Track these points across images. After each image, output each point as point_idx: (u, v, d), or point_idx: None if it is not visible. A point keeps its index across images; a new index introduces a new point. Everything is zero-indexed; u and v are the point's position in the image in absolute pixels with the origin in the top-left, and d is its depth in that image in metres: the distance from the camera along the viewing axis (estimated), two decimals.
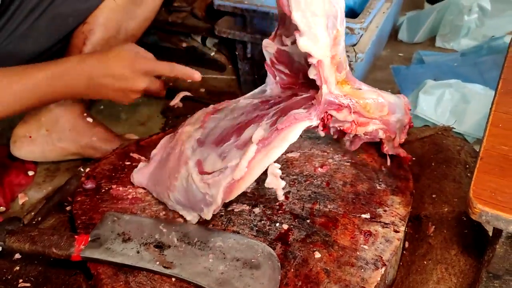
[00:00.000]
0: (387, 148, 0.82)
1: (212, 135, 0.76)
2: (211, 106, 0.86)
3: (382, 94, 0.76)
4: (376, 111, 0.75)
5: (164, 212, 0.77)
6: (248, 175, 0.63)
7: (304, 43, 0.66)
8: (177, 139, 0.79)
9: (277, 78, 0.82)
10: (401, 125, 0.80)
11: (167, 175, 0.75)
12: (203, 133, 0.78)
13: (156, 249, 0.67)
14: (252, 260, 0.65)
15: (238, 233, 0.72)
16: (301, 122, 0.64)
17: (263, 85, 0.85)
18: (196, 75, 0.85)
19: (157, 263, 0.65)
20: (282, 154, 0.67)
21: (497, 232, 0.60)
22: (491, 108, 0.68)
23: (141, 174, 0.81)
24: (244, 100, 0.84)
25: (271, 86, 0.83)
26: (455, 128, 1.03)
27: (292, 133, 0.63)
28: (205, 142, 0.76)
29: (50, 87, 0.79)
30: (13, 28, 0.88)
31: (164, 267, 0.65)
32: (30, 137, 1.01)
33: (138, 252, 0.67)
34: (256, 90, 0.85)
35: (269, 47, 0.79)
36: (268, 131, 0.65)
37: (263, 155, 0.62)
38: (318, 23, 0.66)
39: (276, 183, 0.67)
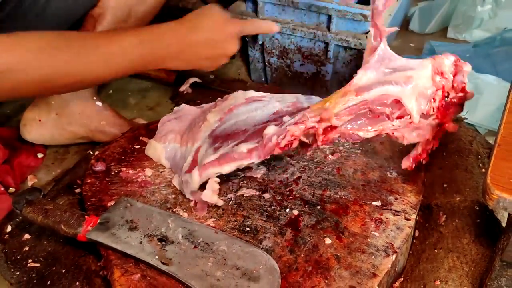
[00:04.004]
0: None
1: (220, 131, 0.79)
2: (248, 96, 0.85)
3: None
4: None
5: (173, 196, 0.77)
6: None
7: None
8: (202, 118, 0.84)
9: None
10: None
11: (187, 136, 0.83)
12: (218, 127, 0.80)
13: (159, 243, 0.66)
14: (253, 272, 0.62)
15: (248, 217, 0.72)
16: (239, 161, 0.70)
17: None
18: (274, 27, 0.87)
19: (156, 257, 0.64)
20: None
21: None
22: (508, 96, 0.67)
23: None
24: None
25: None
26: (467, 119, 1.01)
27: (226, 166, 0.71)
28: (212, 135, 0.78)
29: (140, 53, 0.77)
30: (28, 4, 0.86)
31: (162, 262, 0.63)
32: (40, 120, 1.01)
33: (140, 242, 0.66)
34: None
35: None
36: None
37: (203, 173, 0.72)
38: None
39: (212, 198, 0.72)
